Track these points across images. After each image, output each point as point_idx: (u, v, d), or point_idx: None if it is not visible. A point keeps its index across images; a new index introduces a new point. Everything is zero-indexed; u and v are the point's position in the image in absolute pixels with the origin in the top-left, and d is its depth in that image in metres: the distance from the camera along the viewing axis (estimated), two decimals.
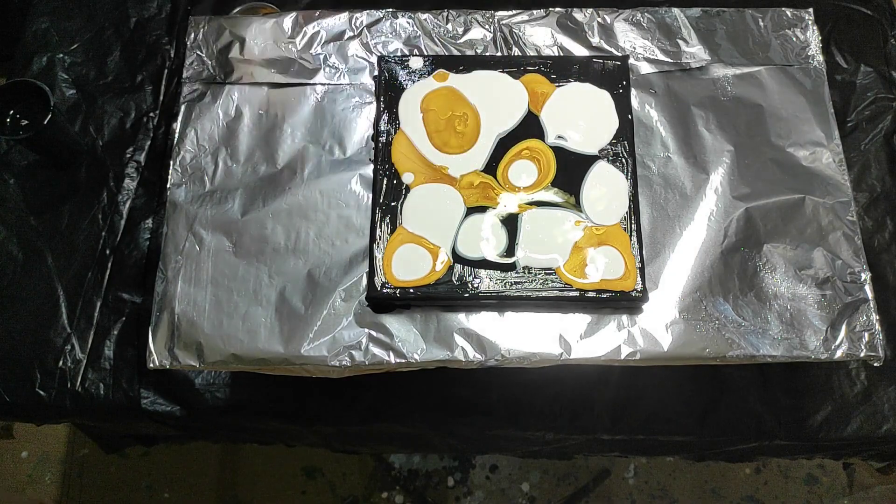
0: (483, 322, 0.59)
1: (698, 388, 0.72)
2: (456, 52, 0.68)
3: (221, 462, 1.31)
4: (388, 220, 0.61)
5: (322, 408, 0.72)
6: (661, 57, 0.68)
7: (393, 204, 0.61)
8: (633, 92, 0.66)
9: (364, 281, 0.60)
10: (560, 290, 0.58)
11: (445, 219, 0.61)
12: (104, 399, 0.71)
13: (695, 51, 0.68)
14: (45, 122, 0.72)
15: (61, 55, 0.84)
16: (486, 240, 0.60)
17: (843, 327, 0.59)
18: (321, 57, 0.68)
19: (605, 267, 0.59)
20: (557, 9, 0.70)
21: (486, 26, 0.69)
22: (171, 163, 0.64)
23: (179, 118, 0.66)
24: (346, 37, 0.69)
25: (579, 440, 0.74)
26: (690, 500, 1.29)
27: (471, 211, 0.61)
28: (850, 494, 1.29)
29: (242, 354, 0.58)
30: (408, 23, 0.70)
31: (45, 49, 0.85)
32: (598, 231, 0.60)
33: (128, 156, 0.80)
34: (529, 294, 0.58)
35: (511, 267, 0.59)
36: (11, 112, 0.75)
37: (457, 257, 0.59)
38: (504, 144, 0.63)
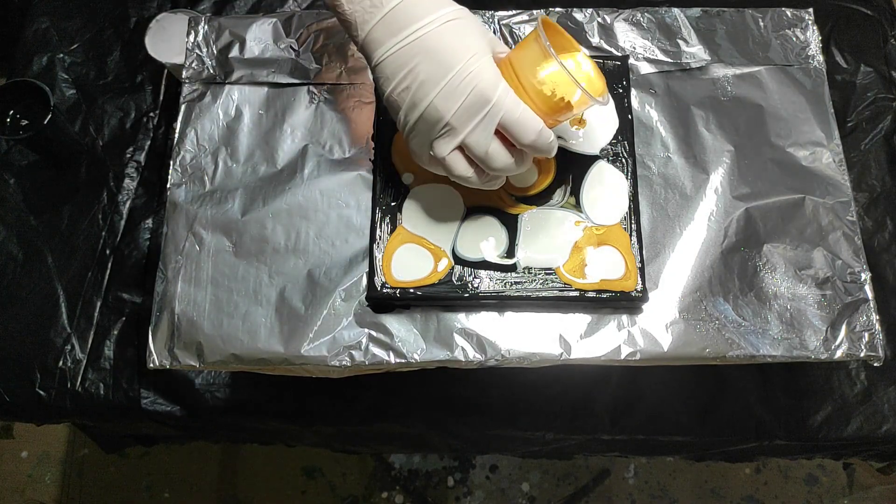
0: (483, 322, 0.59)
1: (698, 388, 0.72)
2: None
3: (221, 462, 1.31)
4: (388, 220, 0.61)
5: (322, 408, 0.72)
6: (661, 57, 0.68)
7: (393, 204, 0.61)
8: (633, 92, 0.66)
9: (364, 281, 0.60)
10: (560, 290, 0.58)
11: (445, 219, 0.61)
12: (104, 399, 0.72)
13: (695, 51, 0.68)
14: (45, 122, 0.72)
15: (61, 55, 0.84)
16: (486, 240, 0.60)
17: (843, 327, 0.58)
18: (321, 57, 0.68)
19: (605, 267, 0.59)
20: (557, 9, 0.70)
21: (487, 26, 0.69)
22: (171, 163, 0.64)
23: (179, 118, 0.66)
24: (346, 37, 0.69)
25: (579, 440, 0.74)
26: (690, 500, 1.29)
27: (471, 211, 0.61)
28: (850, 494, 1.29)
29: (242, 354, 0.58)
30: None
31: (45, 49, 0.85)
32: (598, 231, 0.60)
33: (128, 156, 0.80)
34: (529, 294, 0.58)
35: (511, 268, 0.59)
36: (11, 112, 0.75)
37: (457, 258, 0.59)
38: None
